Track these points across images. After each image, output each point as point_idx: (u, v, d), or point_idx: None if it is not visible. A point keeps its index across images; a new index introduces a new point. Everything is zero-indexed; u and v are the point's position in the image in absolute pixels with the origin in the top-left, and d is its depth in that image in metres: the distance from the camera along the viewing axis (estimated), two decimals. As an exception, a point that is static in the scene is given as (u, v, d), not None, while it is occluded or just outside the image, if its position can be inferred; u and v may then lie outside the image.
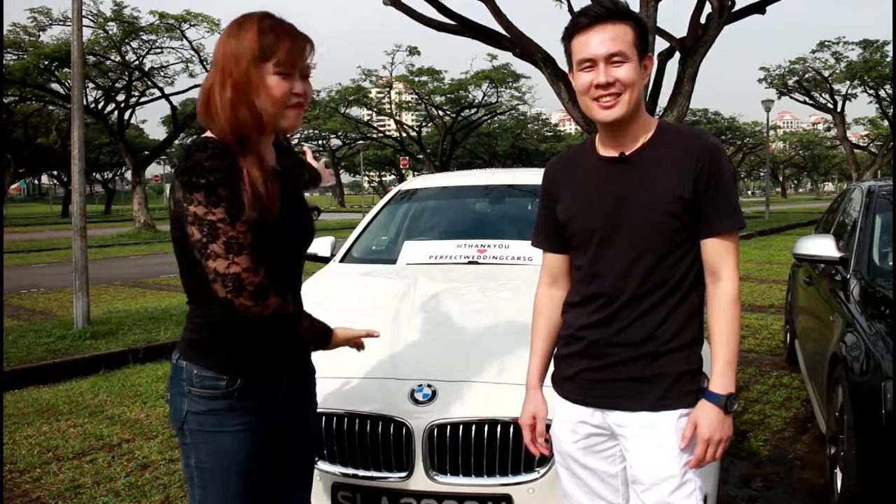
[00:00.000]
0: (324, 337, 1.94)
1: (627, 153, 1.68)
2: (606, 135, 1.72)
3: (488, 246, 3.46)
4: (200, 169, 1.50)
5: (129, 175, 27.73)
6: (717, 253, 1.64)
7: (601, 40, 1.61)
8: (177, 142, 30.81)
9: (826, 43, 30.41)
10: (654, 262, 1.64)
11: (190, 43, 23.47)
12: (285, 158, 1.78)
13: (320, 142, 46.41)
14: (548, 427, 1.85)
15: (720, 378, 1.63)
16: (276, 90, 1.57)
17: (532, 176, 4.31)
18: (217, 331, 1.66)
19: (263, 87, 1.57)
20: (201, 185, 1.50)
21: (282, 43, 1.57)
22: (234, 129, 1.56)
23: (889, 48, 28.47)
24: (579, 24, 1.65)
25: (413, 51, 31.70)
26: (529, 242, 3.46)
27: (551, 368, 1.85)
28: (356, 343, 2.05)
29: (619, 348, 1.67)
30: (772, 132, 50.93)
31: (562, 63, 10.06)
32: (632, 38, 1.63)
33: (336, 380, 2.31)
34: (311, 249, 3.36)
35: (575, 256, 1.78)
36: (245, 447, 1.65)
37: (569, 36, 1.68)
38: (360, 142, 42.90)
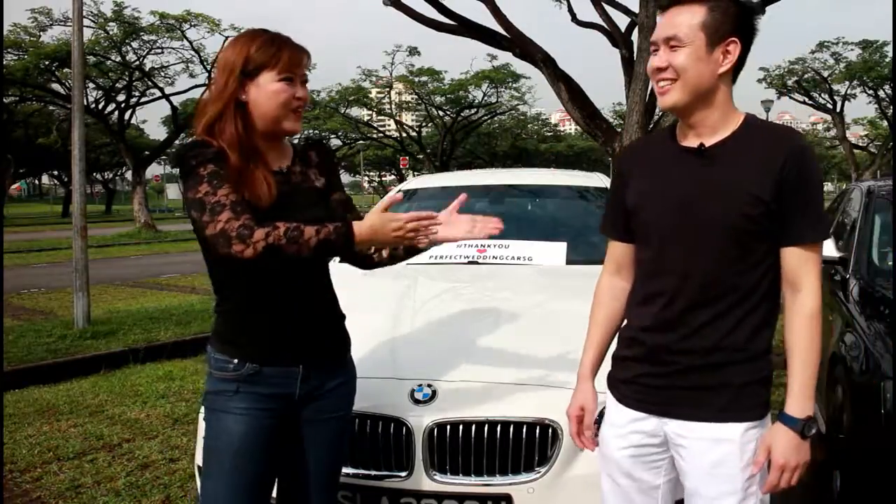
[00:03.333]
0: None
1: (707, 145, 1.57)
2: (682, 123, 1.63)
3: (488, 246, 3.47)
4: (183, 160, 1.69)
5: (129, 175, 27.72)
6: (798, 264, 1.54)
7: (666, 23, 1.55)
8: (177, 142, 30.76)
9: (825, 43, 30.38)
10: (723, 265, 1.54)
11: (190, 43, 23.47)
12: (315, 164, 1.89)
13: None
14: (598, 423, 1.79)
15: (797, 400, 1.54)
16: (282, 95, 1.73)
17: (532, 176, 4.31)
18: (228, 317, 1.81)
19: (266, 93, 1.72)
20: (187, 173, 1.67)
21: (283, 52, 1.73)
22: (207, 122, 1.73)
23: (888, 48, 28.49)
24: (658, 6, 1.61)
25: (413, 51, 31.69)
26: (529, 242, 3.50)
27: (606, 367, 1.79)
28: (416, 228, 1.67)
29: (683, 356, 1.58)
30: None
31: (561, 63, 10.05)
32: (700, 21, 1.52)
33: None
34: None
35: (638, 249, 1.70)
36: (243, 430, 1.74)
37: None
38: (360, 142, 42.86)
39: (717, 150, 1.57)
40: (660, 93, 1.57)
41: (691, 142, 1.60)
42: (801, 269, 1.54)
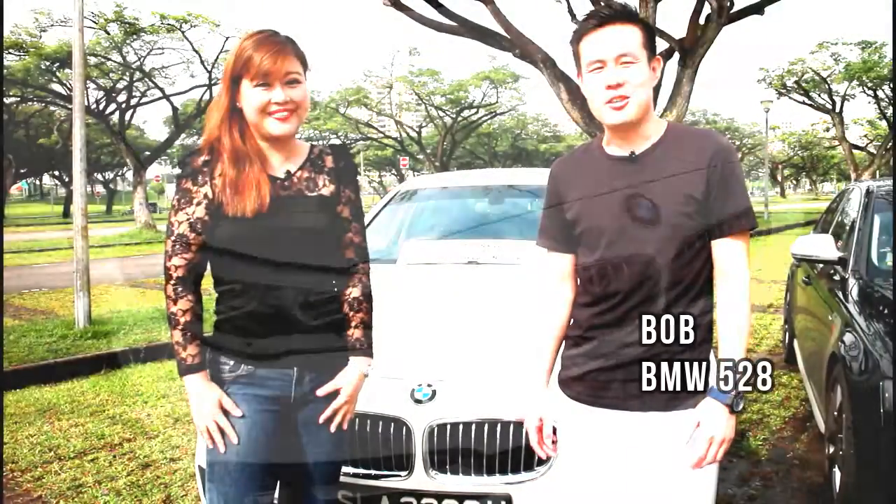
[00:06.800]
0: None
1: (638, 152, 1.68)
2: (615, 136, 1.71)
3: (488, 246, 3.47)
4: (179, 166, 1.83)
5: (130, 175, 27.75)
6: (728, 253, 1.65)
7: (610, 41, 1.61)
8: (178, 142, 30.80)
9: (825, 44, 30.39)
10: (666, 262, 1.64)
11: (191, 44, 23.46)
12: (327, 170, 1.84)
13: (321, 143, 46.31)
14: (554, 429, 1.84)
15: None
16: (254, 101, 1.71)
17: (532, 176, 4.32)
18: (224, 318, 1.80)
19: (245, 100, 1.72)
20: (176, 178, 1.79)
21: (254, 56, 1.69)
22: (209, 133, 1.77)
23: (888, 49, 28.46)
24: (588, 25, 1.65)
25: (413, 51, 31.71)
26: (529, 242, 3.50)
27: (557, 368, 1.84)
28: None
29: (631, 349, 1.66)
30: (770, 132, 50.90)
31: (561, 64, 10.05)
32: (640, 40, 1.64)
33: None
34: None
35: (582, 256, 1.76)
36: (245, 431, 1.76)
37: (578, 38, 1.68)
38: (361, 142, 42.86)
39: (647, 155, 1.68)
40: (614, 109, 1.63)
41: (621, 151, 1.70)
42: (731, 258, 1.65)
